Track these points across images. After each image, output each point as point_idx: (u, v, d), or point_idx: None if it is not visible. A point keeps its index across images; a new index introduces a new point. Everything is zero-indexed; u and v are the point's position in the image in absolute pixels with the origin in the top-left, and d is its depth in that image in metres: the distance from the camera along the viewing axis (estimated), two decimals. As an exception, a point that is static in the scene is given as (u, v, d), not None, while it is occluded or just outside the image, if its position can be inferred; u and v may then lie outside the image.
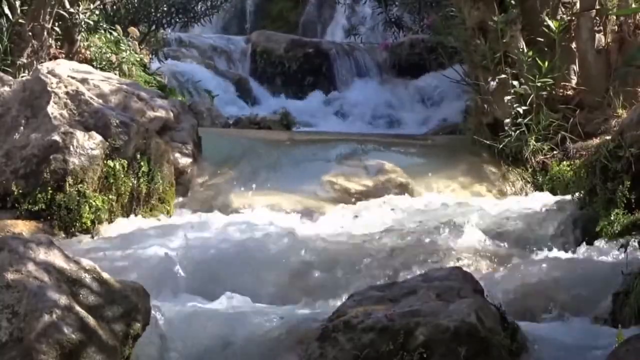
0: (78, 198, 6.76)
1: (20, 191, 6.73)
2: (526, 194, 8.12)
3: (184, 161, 7.95)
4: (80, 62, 8.89)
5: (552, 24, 8.37)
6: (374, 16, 15.38)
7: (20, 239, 4.43)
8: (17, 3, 8.60)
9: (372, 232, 6.69)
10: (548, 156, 8.35)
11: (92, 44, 9.94)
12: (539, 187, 8.18)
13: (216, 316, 4.93)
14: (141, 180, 7.16)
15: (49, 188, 6.72)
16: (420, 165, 8.54)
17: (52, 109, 7.05)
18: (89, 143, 6.90)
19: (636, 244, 5.83)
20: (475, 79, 8.98)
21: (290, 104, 13.28)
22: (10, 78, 7.67)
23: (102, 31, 10.37)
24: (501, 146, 8.34)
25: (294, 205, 7.57)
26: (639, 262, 5.41)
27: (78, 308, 4.13)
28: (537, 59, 8.26)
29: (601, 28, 8.60)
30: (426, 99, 13.33)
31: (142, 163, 7.17)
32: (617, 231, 6.45)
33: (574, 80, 8.68)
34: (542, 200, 7.63)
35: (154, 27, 11.92)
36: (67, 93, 7.21)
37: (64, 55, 9.11)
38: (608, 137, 7.38)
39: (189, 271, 5.96)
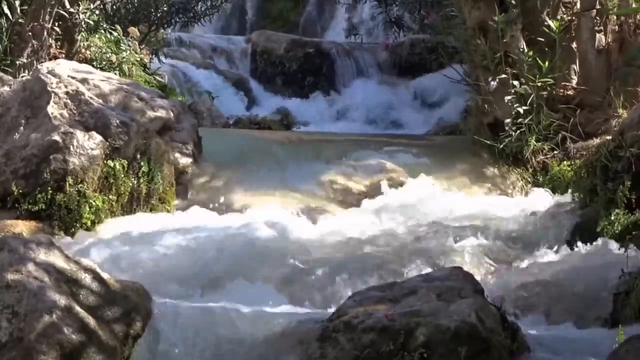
0: (78, 198, 6.76)
1: (20, 191, 6.73)
2: (527, 194, 8.11)
3: (184, 161, 7.94)
4: (80, 62, 8.89)
5: (552, 24, 8.36)
6: (374, 16, 15.38)
7: (20, 239, 4.44)
8: (17, 3, 8.60)
9: (372, 232, 6.69)
10: (548, 156, 8.34)
11: (92, 44, 9.93)
12: (539, 187, 8.17)
13: (216, 316, 4.92)
14: (141, 180, 7.16)
15: (49, 188, 6.72)
16: (420, 166, 8.53)
17: (52, 109, 7.04)
18: (89, 143, 6.90)
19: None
20: (476, 79, 8.98)
21: (290, 104, 13.29)
22: (10, 78, 7.67)
23: (102, 31, 10.37)
24: (501, 146, 8.33)
25: (295, 205, 7.57)
26: (639, 262, 5.41)
27: (78, 308, 4.13)
28: (537, 59, 8.25)
29: (602, 28, 8.59)
30: (426, 99, 13.32)
31: (142, 163, 7.17)
32: (617, 231, 6.45)
33: (575, 80, 8.67)
34: (543, 200, 7.63)
35: (154, 27, 11.92)
36: (67, 93, 7.21)
37: (64, 55, 9.11)
38: (608, 137, 7.37)
39: (189, 271, 5.96)
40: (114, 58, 9.94)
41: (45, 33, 8.80)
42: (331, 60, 14.22)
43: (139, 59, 10.41)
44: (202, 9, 12.57)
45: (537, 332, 4.78)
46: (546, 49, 8.42)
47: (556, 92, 8.50)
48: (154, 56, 11.62)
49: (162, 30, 12.36)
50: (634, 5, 8.41)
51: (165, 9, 11.99)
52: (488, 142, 8.47)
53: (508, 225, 6.96)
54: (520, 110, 8.28)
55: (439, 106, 12.95)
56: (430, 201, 7.52)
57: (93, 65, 9.13)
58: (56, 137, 6.85)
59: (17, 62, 8.57)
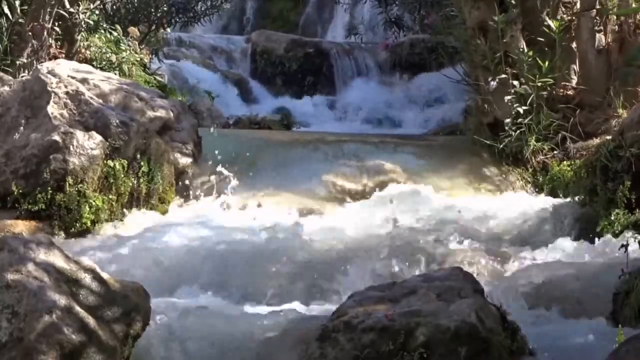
0: (78, 198, 6.76)
1: (20, 191, 6.73)
2: (527, 194, 8.11)
3: (184, 161, 7.94)
4: (80, 62, 8.88)
5: (552, 24, 8.36)
6: (374, 16, 15.38)
7: (20, 239, 4.43)
8: (17, 3, 8.59)
9: (372, 232, 6.69)
10: (548, 156, 8.34)
11: (92, 44, 9.93)
12: (539, 187, 8.17)
13: (216, 316, 4.93)
14: (141, 180, 7.16)
15: (49, 188, 6.72)
16: (420, 166, 8.53)
17: (52, 109, 7.05)
18: (89, 143, 6.90)
19: (636, 244, 5.83)
20: (476, 79, 8.97)
21: (290, 104, 13.29)
22: (10, 78, 7.67)
23: (102, 31, 10.36)
24: (501, 146, 8.32)
25: (294, 205, 7.57)
26: (639, 262, 5.41)
27: (78, 308, 4.13)
28: (537, 58, 8.25)
29: (602, 28, 8.58)
30: (426, 99, 13.32)
31: (142, 163, 7.17)
32: (617, 231, 6.45)
33: (575, 80, 8.66)
34: (543, 200, 7.63)
35: (154, 27, 11.92)
36: (67, 93, 7.21)
37: (64, 55, 9.10)
38: (608, 137, 7.38)
39: (189, 271, 5.96)
40: (114, 58, 9.93)
41: (45, 33, 8.80)
42: (331, 60, 14.22)
43: (139, 59, 10.40)
44: (202, 9, 12.55)
45: (537, 332, 4.78)
46: (546, 49, 8.42)
47: (556, 92, 8.50)
48: (153, 56, 11.61)
49: (162, 30, 12.34)
50: (634, 5, 8.41)
51: (165, 9, 11.98)
52: (488, 142, 8.47)
53: (508, 225, 6.97)
54: (520, 110, 8.28)
55: (439, 106, 12.94)
56: (430, 201, 7.52)
57: (93, 65, 9.13)
58: (56, 137, 6.86)
59: (17, 62, 8.56)
